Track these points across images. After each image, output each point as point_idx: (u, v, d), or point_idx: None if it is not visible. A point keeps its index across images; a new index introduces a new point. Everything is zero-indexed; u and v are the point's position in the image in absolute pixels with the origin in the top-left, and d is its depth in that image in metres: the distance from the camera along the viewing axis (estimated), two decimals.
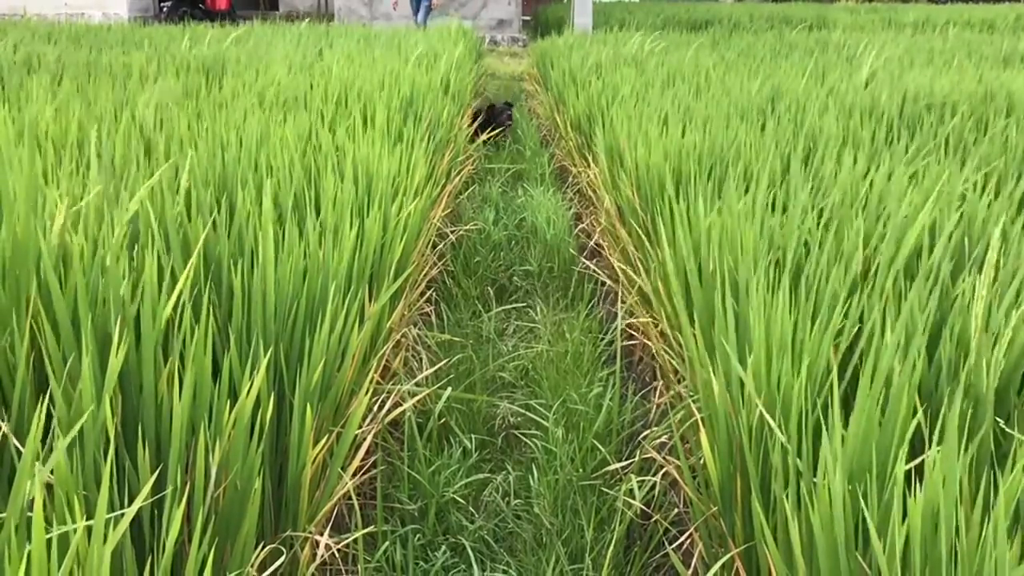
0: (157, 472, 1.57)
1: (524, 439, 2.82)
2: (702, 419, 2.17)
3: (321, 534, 1.95)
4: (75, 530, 1.22)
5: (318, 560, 1.90)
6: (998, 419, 1.73)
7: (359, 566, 1.96)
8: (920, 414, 1.67)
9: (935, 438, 1.53)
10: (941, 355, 1.92)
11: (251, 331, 2.05)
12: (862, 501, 1.48)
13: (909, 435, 1.59)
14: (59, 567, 1.17)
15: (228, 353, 1.84)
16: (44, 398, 1.46)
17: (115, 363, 1.57)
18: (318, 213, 2.69)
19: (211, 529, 1.61)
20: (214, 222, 2.28)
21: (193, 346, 1.71)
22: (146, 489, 1.33)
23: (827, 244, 2.44)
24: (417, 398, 2.67)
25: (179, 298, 1.88)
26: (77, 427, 1.41)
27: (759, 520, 1.70)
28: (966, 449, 1.57)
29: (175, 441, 1.62)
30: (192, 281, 1.99)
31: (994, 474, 1.62)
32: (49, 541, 1.19)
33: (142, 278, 1.78)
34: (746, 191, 2.95)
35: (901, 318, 1.95)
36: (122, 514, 1.33)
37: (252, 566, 1.69)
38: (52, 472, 1.35)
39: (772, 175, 3.18)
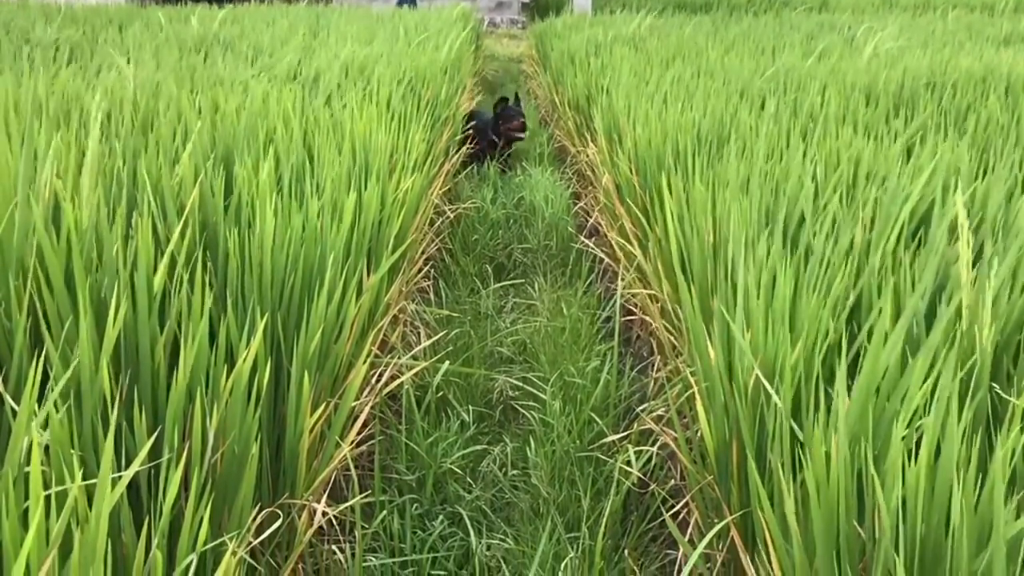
0: (155, 436, 1.57)
1: (522, 412, 2.83)
2: (698, 390, 2.17)
3: (318, 502, 1.95)
4: (73, 489, 1.22)
5: (315, 526, 1.90)
6: (993, 384, 1.73)
7: (356, 533, 1.97)
8: (924, 386, 1.67)
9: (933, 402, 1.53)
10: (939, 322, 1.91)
11: (247, 300, 2.05)
12: (866, 456, 1.48)
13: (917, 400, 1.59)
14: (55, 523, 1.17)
15: (225, 319, 1.83)
16: (39, 354, 1.46)
17: (112, 331, 1.58)
18: (316, 185, 2.68)
19: (208, 491, 1.61)
20: (212, 190, 2.27)
21: (191, 311, 1.71)
22: (145, 450, 1.33)
23: (825, 215, 2.44)
24: (414, 371, 2.67)
25: (173, 263, 1.88)
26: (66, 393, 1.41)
27: (755, 485, 1.71)
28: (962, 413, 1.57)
29: (172, 406, 1.62)
30: (188, 248, 1.99)
31: (990, 438, 1.62)
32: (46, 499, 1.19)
33: (137, 244, 1.77)
34: (745, 165, 2.94)
35: (898, 286, 1.95)
36: (119, 476, 1.34)
37: (249, 531, 1.70)
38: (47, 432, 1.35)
39: (771, 150, 3.18)
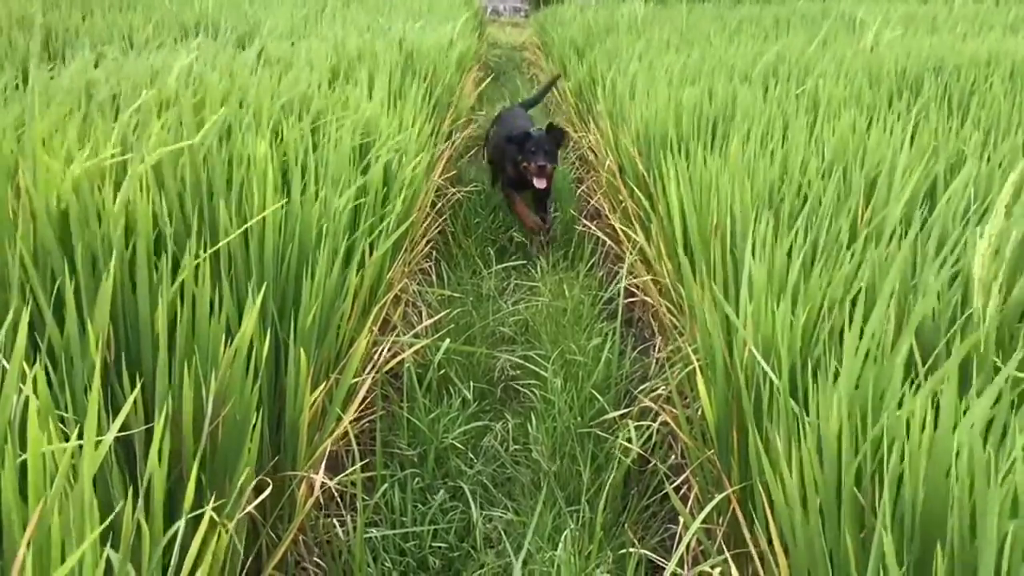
0: (137, 392, 1.56)
1: (523, 390, 2.83)
2: (700, 367, 2.17)
3: (317, 474, 1.96)
4: (63, 447, 1.22)
5: (314, 496, 1.91)
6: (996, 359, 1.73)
7: (358, 504, 1.97)
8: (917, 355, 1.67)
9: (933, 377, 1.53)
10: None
11: (248, 272, 2.05)
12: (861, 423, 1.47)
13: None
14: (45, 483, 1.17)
15: (224, 287, 1.83)
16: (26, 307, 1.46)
17: (106, 295, 1.58)
18: (317, 164, 2.68)
19: (202, 458, 1.62)
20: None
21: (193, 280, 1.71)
22: (131, 399, 1.33)
23: (827, 194, 2.43)
24: (415, 348, 2.67)
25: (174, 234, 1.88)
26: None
27: (755, 451, 1.71)
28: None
29: (160, 368, 1.62)
30: (186, 221, 1.99)
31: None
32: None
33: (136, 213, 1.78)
34: (748, 146, 2.93)
35: (900, 263, 1.94)
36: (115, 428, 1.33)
37: (244, 497, 1.69)
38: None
39: (773, 131, 3.17)
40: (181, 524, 1.35)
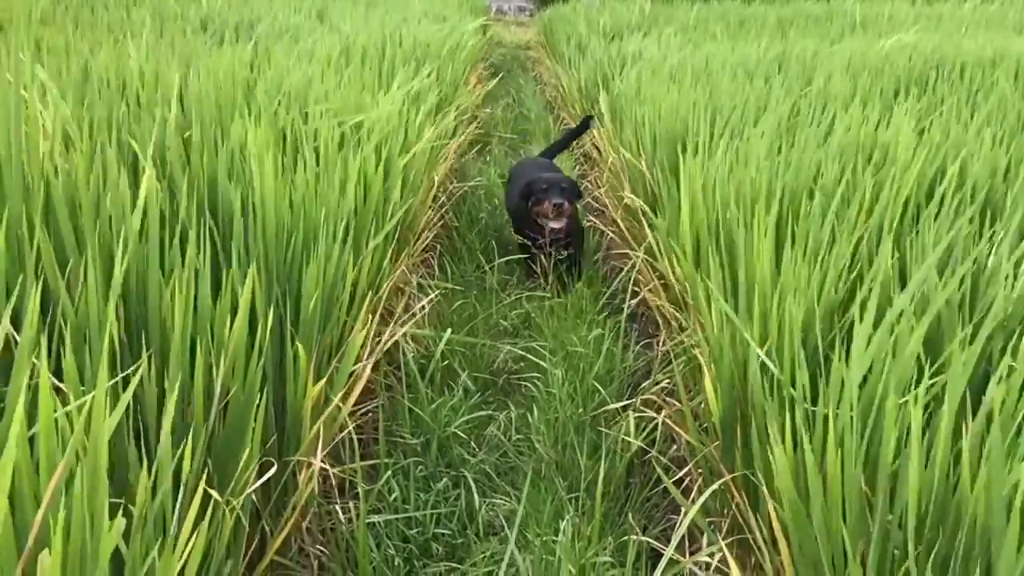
0: (143, 360, 1.56)
1: (525, 380, 2.83)
2: (705, 364, 2.16)
3: (317, 458, 1.95)
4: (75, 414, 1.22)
5: (312, 478, 1.91)
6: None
7: (360, 491, 1.97)
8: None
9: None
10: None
11: (250, 257, 2.05)
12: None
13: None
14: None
15: (229, 272, 1.83)
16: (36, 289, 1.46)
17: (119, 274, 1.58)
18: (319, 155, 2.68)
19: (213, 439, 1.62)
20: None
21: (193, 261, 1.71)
22: (142, 363, 1.32)
23: (836, 190, 2.43)
24: (410, 331, 2.67)
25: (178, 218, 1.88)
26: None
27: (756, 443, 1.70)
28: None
29: (176, 334, 1.61)
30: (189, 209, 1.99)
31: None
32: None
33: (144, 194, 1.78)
34: (755, 142, 2.93)
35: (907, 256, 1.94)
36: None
37: (249, 482, 1.70)
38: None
39: (780, 127, 3.16)
40: (162, 492, 1.34)
